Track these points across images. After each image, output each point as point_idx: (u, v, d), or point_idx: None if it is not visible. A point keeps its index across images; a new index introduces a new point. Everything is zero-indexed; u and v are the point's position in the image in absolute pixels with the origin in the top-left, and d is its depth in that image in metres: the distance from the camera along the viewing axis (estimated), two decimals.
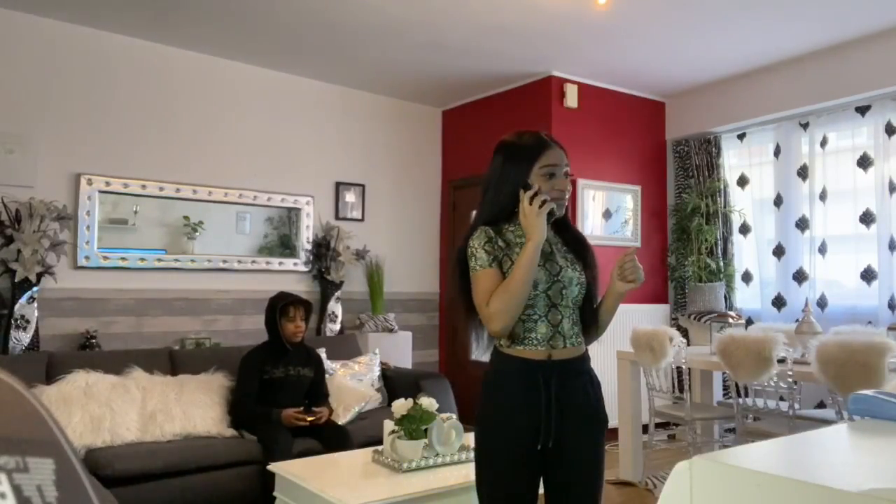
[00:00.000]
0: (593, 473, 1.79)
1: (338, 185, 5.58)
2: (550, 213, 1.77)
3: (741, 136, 5.56)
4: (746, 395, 3.75)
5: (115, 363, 3.69)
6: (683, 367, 4.06)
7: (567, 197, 1.84)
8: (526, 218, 1.73)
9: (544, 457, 1.77)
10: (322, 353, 4.09)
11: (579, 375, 1.81)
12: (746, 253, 5.56)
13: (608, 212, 5.63)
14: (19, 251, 3.94)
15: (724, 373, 4.34)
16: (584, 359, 1.84)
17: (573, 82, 5.36)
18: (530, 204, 1.72)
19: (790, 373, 3.40)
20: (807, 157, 5.08)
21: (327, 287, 5.27)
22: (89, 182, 4.41)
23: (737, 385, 3.75)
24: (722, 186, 5.61)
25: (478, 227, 1.82)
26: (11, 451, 0.34)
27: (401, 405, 2.78)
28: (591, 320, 1.86)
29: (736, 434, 3.92)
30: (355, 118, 5.71)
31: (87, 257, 4.38)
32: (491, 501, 1.79)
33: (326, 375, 3.98)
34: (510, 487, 1.76)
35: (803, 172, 5.09)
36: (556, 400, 1.74)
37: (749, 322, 5.11)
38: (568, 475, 1.77)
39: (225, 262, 4.95)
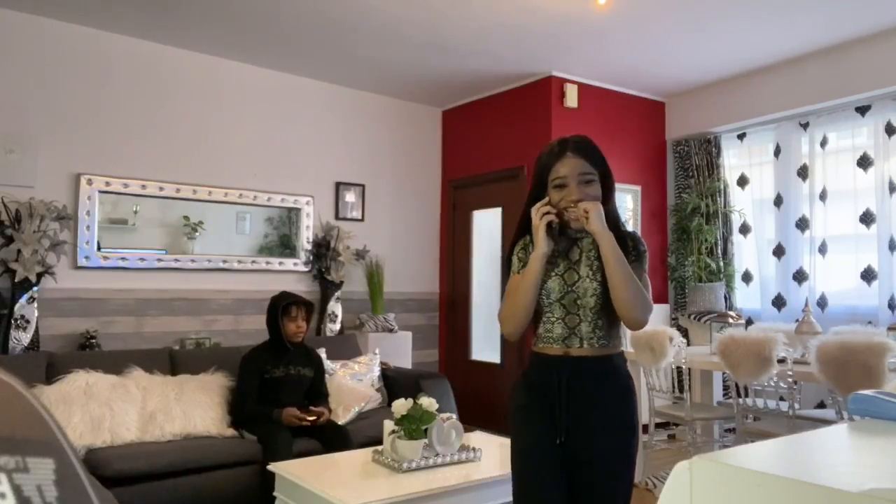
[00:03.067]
0: (612, 475, 1.77)
1: (338, 185, 5.58)
2: (566, 225, 1.80)
3: (741, 136, 5.56)
4: (746, 395, 3.75)
5: (115, 363, 3.69)
6: (683, 367, 4.06)
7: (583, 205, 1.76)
8: (534, 230, 1.80)
9: (565, 453, 1.77)
10: (322, 353, 4.09)
11: (599, 375, 1.79)
12: (746, 253, 5.56)
13: None
14: (19, 251, 3.94)
15: (724, 373, 4.34)
16: (606, 359, 1.81)
17: (573, 82, 5.36)
18: (536, 216, 1.80)
19: (790, 373, 3.40)
20: (807, 157, 5.08)
21: (327, 287, 5.27)
22: (89, 182, 4.41)
23: (737, 385, 3.75)
24: (722, 186, 5.61)
25: (523, 235, 1.92)
26: (11, 451, 0.34)
27: (401, 405, 2.78)
28: (615, 318, 1.83)
29: (736, 434, 3.92)
30: (355, 118, 5.71)
31: (87, 257, 4.38)
32: (515, 492, 1.83)
33: (326, 375, 3.99)
34: (530, 479, 1.79)
35: (803, 172, 5.09)
36: (569, 394, 1.76)
37: (749, 322, 5.11)
38: (588, 474, 1.77)
39: (225, 262, 4.95)
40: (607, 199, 1.85)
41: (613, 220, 1.85)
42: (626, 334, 4.12)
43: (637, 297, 1.74)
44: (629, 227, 5.73)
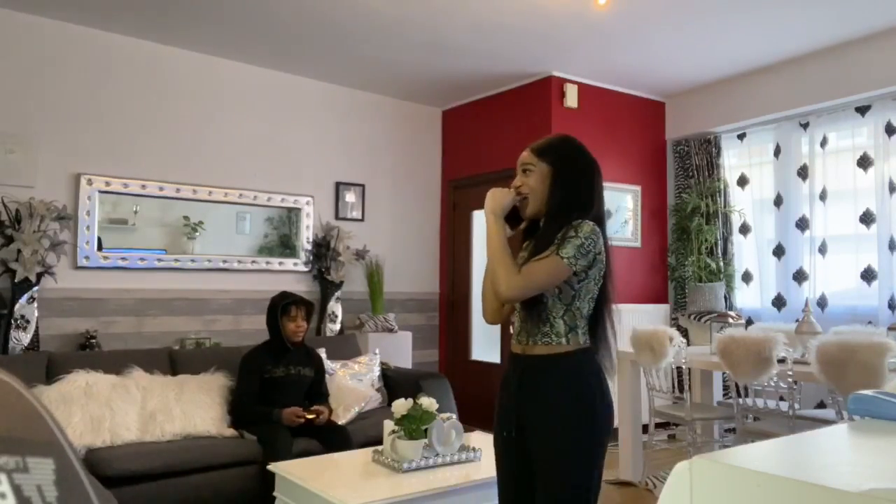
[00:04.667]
0: (556, 469, 1.77)
1: (338, 185, 5.58)
2: (515, 212, 1.95)
3: (741, 136, 5.56)
4: (746, 395, 3.75)
5: (115, 363, 3.69)
6: (683, 367, 4.06)
7: (524, 192, 1.95)
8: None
9: (520, 446, 1.87)
10: (322, 353, 4.09)
11: (543, 373, 1.82)
12: (746, 253, 5.56)
13: (608, 212, 5.62)
14: (19, 251, 3.94)
15: (724, 373, 4.34)
16: (550, 358, 1.81)
17: (573, 82, 5.36)
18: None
19: (790, 373, 3.40)
20: (807, 157, 5.08)
21: (327, 287, 5.27)
22: (89, 182, 4.41)
23: (737, 385, 3.75)
24: (722, 186, 5.61)
25: (523, 238, 2.06)
26: (11, 451, 0.34)
27: (401, 405, 2.78)
28: (560, 314, 1.82)
29: (736, 434, 3.92)
30: (355, 118, 5.71)
31: (87, 257, 4.38)
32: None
33: (326, 375, 3.99)
34: (498, 468, 1.97)
35: (803, 172, 5.09)
36: (518, 391, 1.85)
37: (749, 322, 5.11)
38: (537, 468, 1.82)
39: (225, 262, 4.95)
40: (561, 187, 1.89)
41: (563, 206, 1.87)
42: (624, 334, 4.12)
43: (497, 273, 1.80)
44: (631, 225, 5.73)
